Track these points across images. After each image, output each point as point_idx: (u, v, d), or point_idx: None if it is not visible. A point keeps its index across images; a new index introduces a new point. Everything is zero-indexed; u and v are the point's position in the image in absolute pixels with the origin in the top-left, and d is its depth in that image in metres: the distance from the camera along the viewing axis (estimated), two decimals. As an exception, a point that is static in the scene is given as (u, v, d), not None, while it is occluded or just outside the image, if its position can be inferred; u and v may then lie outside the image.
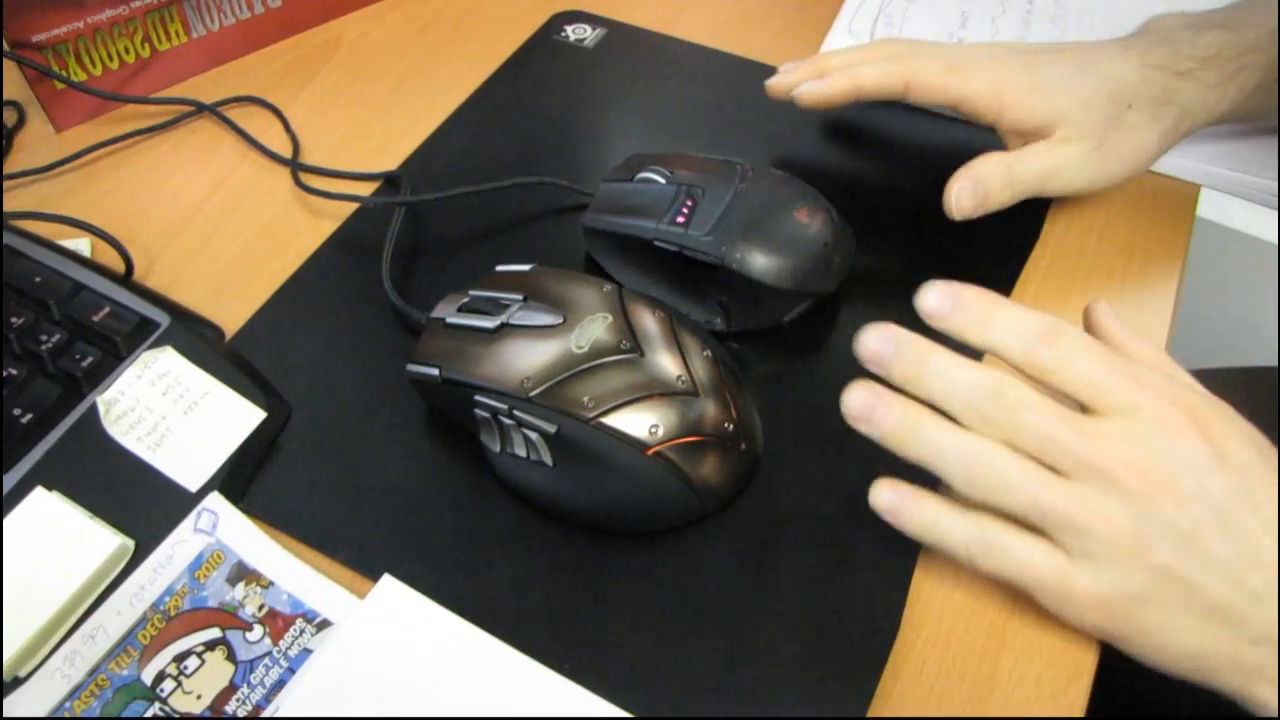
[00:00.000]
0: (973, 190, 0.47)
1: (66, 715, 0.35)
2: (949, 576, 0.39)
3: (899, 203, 0.53)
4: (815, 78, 0.51)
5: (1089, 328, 0.41)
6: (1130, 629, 0.35)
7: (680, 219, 0.45)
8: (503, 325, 0.41)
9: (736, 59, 0.61)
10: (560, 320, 0.40)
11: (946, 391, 0.36)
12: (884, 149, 0.56)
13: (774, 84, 0.52)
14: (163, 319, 0.44)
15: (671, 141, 0.56)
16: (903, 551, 0.40)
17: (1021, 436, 0.35)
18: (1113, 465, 0.34)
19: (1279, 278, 0.89)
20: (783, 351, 0.47)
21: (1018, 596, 0.39)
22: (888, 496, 0.37)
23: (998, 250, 0.51)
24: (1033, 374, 0.36)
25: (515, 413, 0.39)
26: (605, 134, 0.57)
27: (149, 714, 0.35)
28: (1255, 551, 0.33)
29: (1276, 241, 0.96)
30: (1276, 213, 0.55)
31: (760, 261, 0.44)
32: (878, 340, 0.37)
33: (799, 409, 0.44)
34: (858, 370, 0.45)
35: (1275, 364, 0.71)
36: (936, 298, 0.37)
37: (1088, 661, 0.37)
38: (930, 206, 0.48)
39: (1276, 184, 0.53)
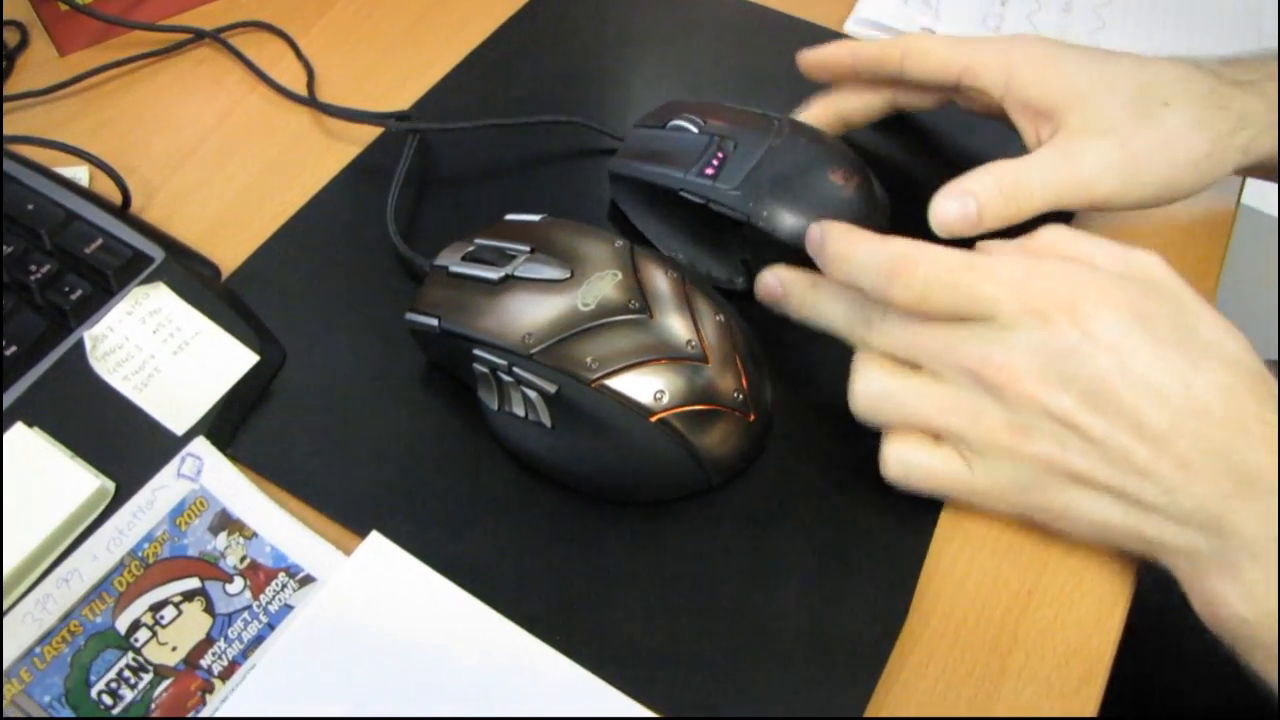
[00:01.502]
0: (959, 205, 0.41)
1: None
2: (961, 565, 0.38)
3: (935, 165, 0.50)
4: (830, 57, 0.49)
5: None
6: (1038, 511, 0.36)
7: (709, 170, 0.43)
8: (507, 277, 0.39)
9: (770, 11, 0.58)
10: (568, 275, 0.38)
11: (827, 311, 0.39)
12: (931, 121, 0.53)
13: (801, 59, 0.50)
14: (157, 254, 0.42)
15: (699, 91, 0.54)
16: (915, 537, 0.38)
17: (892, 348, 0.37)
18: (973, 365, 0.35)
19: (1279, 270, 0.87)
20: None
21: (1032, 590, 0.37)
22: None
23: (1034, 225, 0.48)
24: (897, 308, 0.36)
25: (515, 370, 0.37)
26: (630, 80, 0.55)
27: (121, 663, 0.34)
28: (1136, 426, 0.33)
29: (1277, 234, 0.93)
30: (1277, 210, 0.53)
31: (788, 221, 0.42)
32: (769, 282, 0.41)
33: (815, 380, 0.42)
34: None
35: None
36: (809, 236, 0.39)
37: (1102, 661, 0.36)
38: (966, 169, 0.46)
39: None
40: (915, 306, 0.36)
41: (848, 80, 0.49)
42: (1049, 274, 0.35)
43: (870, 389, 0.37)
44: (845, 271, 0.37)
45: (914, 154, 0.51)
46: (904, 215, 0.46)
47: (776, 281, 0.41)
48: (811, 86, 0.53)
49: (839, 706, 0.34)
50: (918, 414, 0.36)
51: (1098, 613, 0.37)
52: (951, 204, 0.41)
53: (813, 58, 0.49)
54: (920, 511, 0.38)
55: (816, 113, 0.49)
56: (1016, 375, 0.34)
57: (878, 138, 0.51)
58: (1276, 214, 0.95)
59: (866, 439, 0.39)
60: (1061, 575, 0.38)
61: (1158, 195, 0.42)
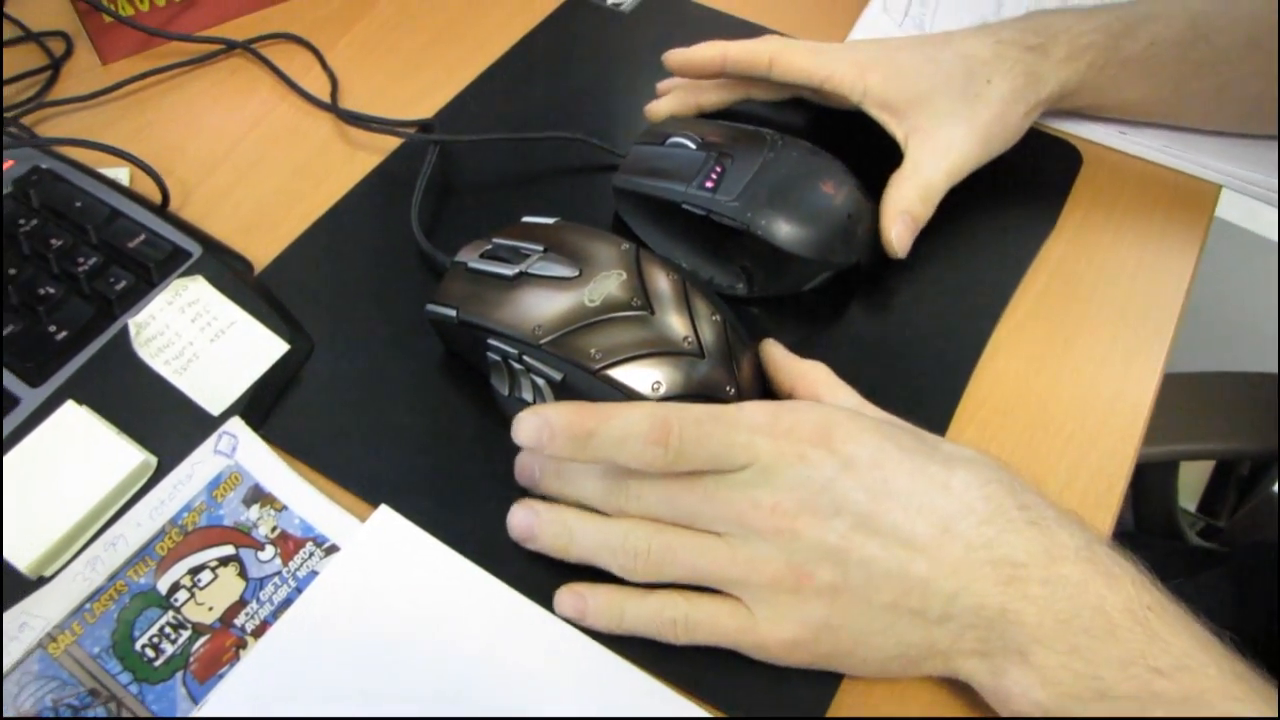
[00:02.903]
0: (905, 224, 0.47)
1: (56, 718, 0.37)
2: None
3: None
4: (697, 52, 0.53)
5: (764, 357, 0.43)
6: (833, 654, 0.35)
7: (709, 184, 0.46)
8: (521, 274, 0.42)
9: (770, 31, 0.61)
10: (576, 273, 0.42)
11: (583, 489, 0.38)
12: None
13: (667, 58, 0.54)
14: (195, 249, 0.46)
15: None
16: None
17: (655, 513, 0.36)
18: (743, 511, 0.35)
19: (1279, 281, 0.89)
20: (802, 319, 0.48)
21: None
22: (568, 602, 0.37)
23: (1016, 232, 0.52)
24: (657, 471, 0.36)
25: (525, 358, 0.40)
26: (636, 98, 0.58)
27: (163, 620, 0.37)
28: (909, 540, 0.34)
29: (1277, 243, 0.95)
30: (1277, 214, 0.56)
31: (784, 229, 0.45)
32: (524, 461, 0.40)
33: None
34: (876, 344, 0.47)
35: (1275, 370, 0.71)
36: (530, 428, 0.37)
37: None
38: (953, 188, 0.49)
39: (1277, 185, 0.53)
40: (674, 466, 0.35)
41: (711, 77, 0.54)
42: (795, 411, 0.36)
43: (643, 548, 0.36)
44: (592, 449, 0.36)
45: (891, 158, 0.54)
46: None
47: (528, 471, 0.40)
48: (803, 104, 0.57)
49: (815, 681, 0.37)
50: (695, 569, 0.36)
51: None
52: (899, 227, 0.47)
53: (682, 57, 0.53)
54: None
55: (674, 103, 0.54)
56: (786, 514, 0.34)
57: (857, 144, 0.54)
58: (1276, 237, 0.99)
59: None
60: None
61: (996, 154, 0.50)
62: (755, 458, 0.35)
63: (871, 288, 0.49)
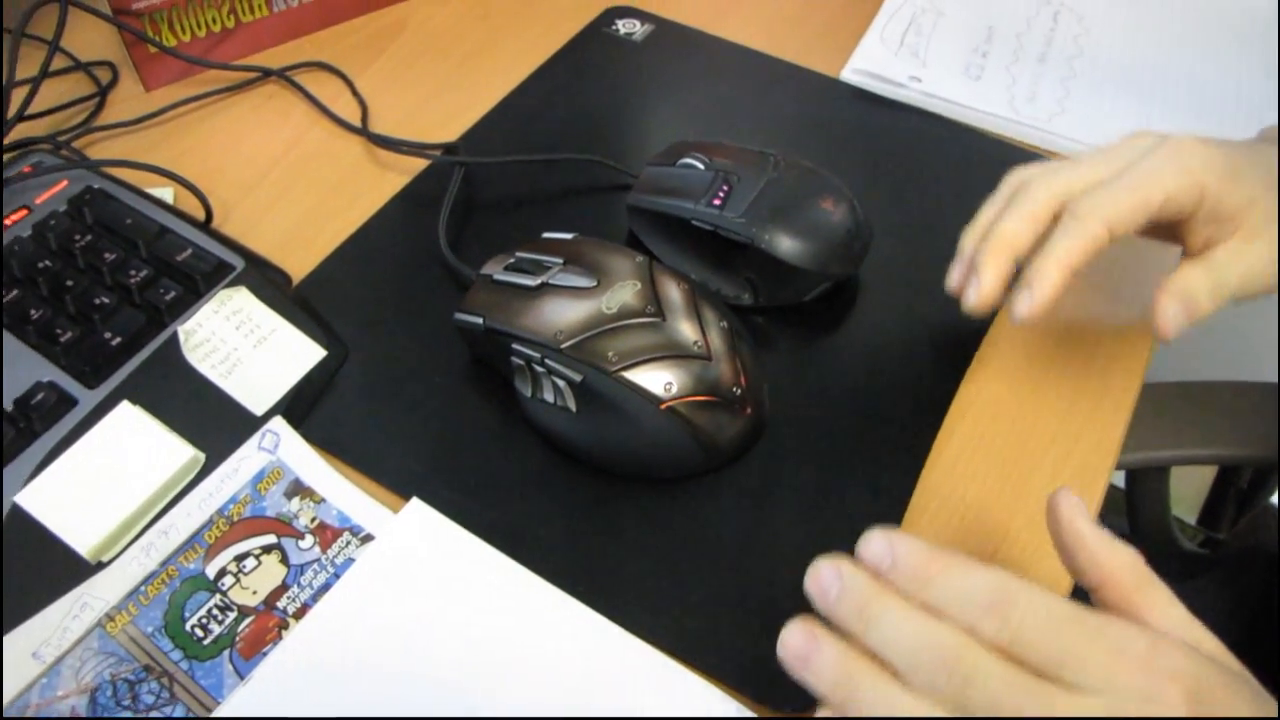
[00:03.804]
0: (1183, 307, 0.43)
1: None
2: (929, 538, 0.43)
3: (915, 196, 0.57)
4: (1006, 282, 0.44)
5: (1055, 530, 0.35)
6: None
7: (716, 201, 0.50)
8: (543, 284, 0.45)
9: (772, 59, 0.65)
10: (594, 284, 0.45)
11: (890, 645, 0.31)
12: (902, 147, 0.60)
13: (976, 308, 0.45)
14: (238, 263, 0.49)
15: (709, 132, 0.60)
16: (891, 515, 0.44)
17: (976, 710, 0.29)
18: None
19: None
20: (804, 327, 0.51)
21: (993, 555, 0.43)
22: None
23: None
24: (983, 641, 0.30)
25: (547, 361, 0.43)
26: (648, 122, 0.62)
27: (211, 603, 0.40)
28: None
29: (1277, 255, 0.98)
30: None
31: (787, 243, 0.48)
32: (826, 574, 0.33)
33: (811, 380, 0.49)
34: (872, 350, 0.50)
35: (1265, 379, 0.74)
36: (874, 550, 0.33)
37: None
38: (943, 203, 0.52)
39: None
40: (1008, 645, 0.30)
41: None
42: (1171, 655, 0.29)
43: None
44: (927, 594, 0.32)
45: (893, 185, 0.58)
46: (885, 237, 0.53)
47: (832, 575, 0.33)
48: (804, 127, 0.60)
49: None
50: None
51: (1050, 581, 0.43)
52: (1178, 310, 0.43)
53: (1039, 307, 0.43)
54: (894, 498, 0.44)
55: (1049, 286, 0.43)
56: None
57: (854, 163, 0.58)
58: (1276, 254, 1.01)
59: (852, 436, 0.45)
60: (1018, 546, 0.43)
61: None
62: (1114, 688, 0.29)
63: (868, 297, 0.52)
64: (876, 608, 0.32)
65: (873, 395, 0.48)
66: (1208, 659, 0.30)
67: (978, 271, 0.44)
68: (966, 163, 0.59)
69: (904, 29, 0.66)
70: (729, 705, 0.38)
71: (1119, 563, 0.33)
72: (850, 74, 0.64)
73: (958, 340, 0.50)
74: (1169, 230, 0.46)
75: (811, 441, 0.46)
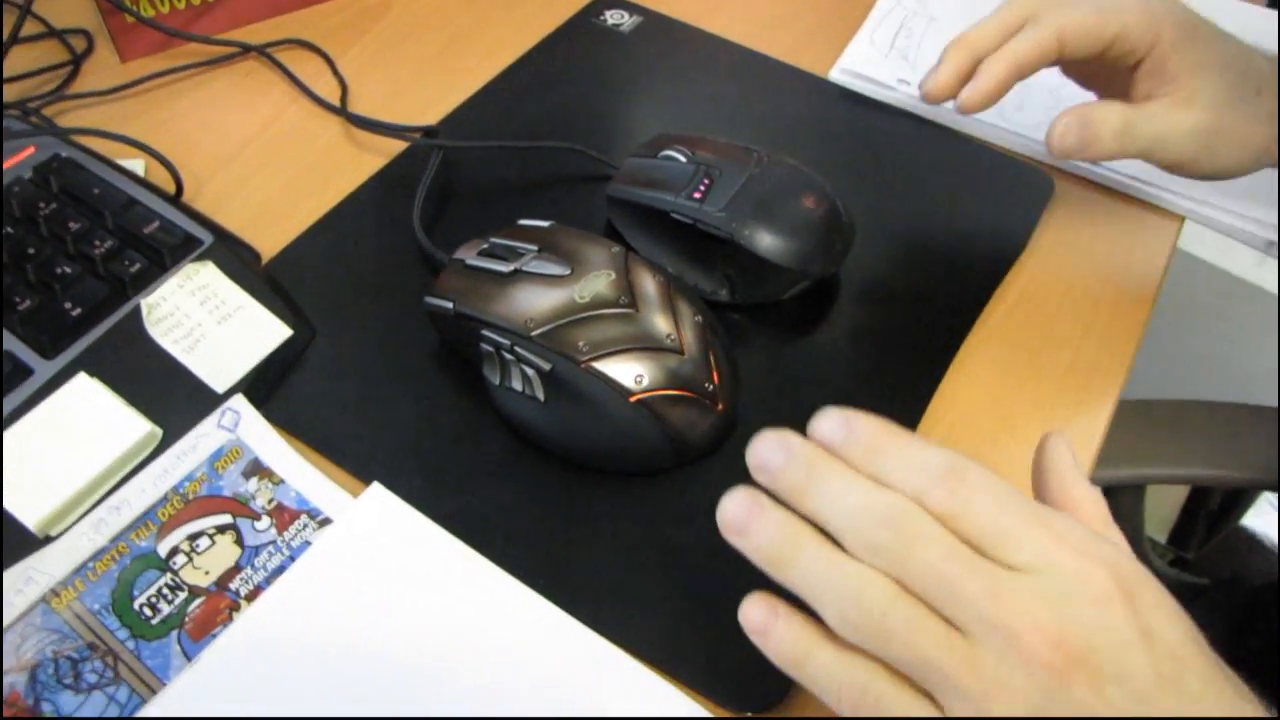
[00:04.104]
0: (1080, 129, 0.45)
1: None
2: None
3: (899, 198, 0.56)
4: (962, 77, 0.48)
5: (1038, 459, 0.36)
6: None
7: (697, 195, 0.49)
8: (516, 271, 0.45)
9: (761, 56, 0.64)
10: (568, 272, 0.44)
11: (834, 510, 0.31)
12: (888, 149, 0.59)
13: (930, 94, 0.49)
14: (206, 237, 0.48)
15: (694, 127, 0.60)
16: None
17: (914, 574, 0.29)
18: (1020, 625, 0.28)
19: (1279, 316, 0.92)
20: (781, 325, 0.50)
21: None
22: (756, 616, 0.32)
23: (988, 250, 0.54)
24: (932, 512, 0.30)
25: (516, 349, 0.42)
26: (632, 114, 0.61)
27: (161, 582, 0.39)
28: None
29: (1278, 277, 0.98)
30: (1277, 247, 0.58)
31: (766, 240, 0.48)
32: (768, 446, 0.32)
33: (786, 379, 0.48)
34: (849, 351, 0.49)
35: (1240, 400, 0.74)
36: (829, 426, 0.32)
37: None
38: (927, 206, 0.52)
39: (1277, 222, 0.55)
40: (952, 518, 0.30)
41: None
42: (1109, 548, 0.30)
43: (878, 610, 0.29)
44: (879, 463, 0.31)
45: (877, 187, 0.57)
46: (866, 238, 0.52)
47: (775, 446, 0.32)
48: (790, 125, 0.59)
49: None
50: (925, 660, 0.29)
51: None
52: (1074, 126, 0.45)
53: (979, 95, 0.47)
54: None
55: (994, 76, 0.47)
56: (1067, 655, 0.27)
57: (838, 162, 0.57)
58: (1278, 274, 1.02)
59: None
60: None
61: (1218, 172, 0.47)
62: (1050, 568, 0.29)
63: (848, 297, 0.51)
64: (822, 472, 0.31)
65: (848, 396, 0.47)
66: (1147, 573, 0.30)
67: (938, 63, 0.48)
68: (952, 167, 0.58)
69: (895, 32, 0.66)
70: (687, 705, 0.37)
71: (1085, 495, 0.34)
72: (838, 74, 0.63)
73: (936, 345, 0.50)
74: (1113, 77, 0.48)
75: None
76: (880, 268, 0.53)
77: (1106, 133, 0.45)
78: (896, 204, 0.56)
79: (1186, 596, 0.31)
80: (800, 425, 0.46)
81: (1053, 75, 0.63)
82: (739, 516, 0.32)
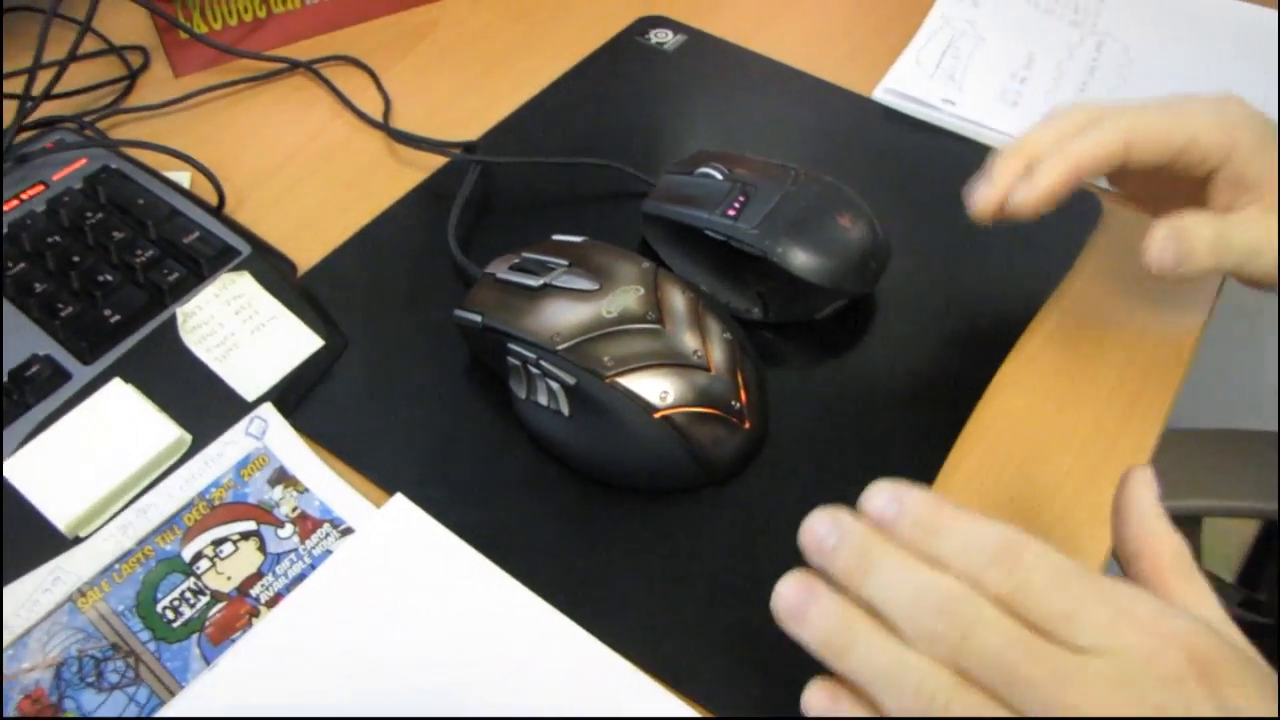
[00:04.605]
0: (1177, 244, 0.41)
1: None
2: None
3: (940, 219, 0.55)
4: (1010, 177, 0.44)
5: (1120, 496, 0.34)
6: None
7: (731, 212, 0.49)
8: (545, 285, 0.45)
9: (804, 75, 0.64)
10: (597, 287, 0.44)
11: (889, 596, 0.30)
12: (930, 169, 0.58)
13: (982, 205, 0.45)
14: (244, 248, 0.49)
15: (734, 145, 0.59)
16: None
17: (974, 664, 0.28)
18: (1088, 712, 0.26)
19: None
20: (814, 345, 0.50)
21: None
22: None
23: (1031, 273, 0.53)
24: (988, 594, 0.29)
25: (542, 362, 0.42)
26: (672, 132, 0.61)
27: (184, 586, 0.39)
28: None
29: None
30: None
31: (800, 258, 0.47)
32: (822, 526, 0.32)
33: (817, 401, 0.47)
34: (884, 372, 0.48)
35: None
36: (881, 502, 0.32)
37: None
38: (969, 227, 0.51)
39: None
40: (1010, 598, 0.29)
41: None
42: (1182, 620, 0.28)
43: (940, 699, 0.28)
44: (933, 543, 0.30)
45: (918, 206, 0.56)
46: (905, 259, 0.51)
47: (828, 527, 0.32)
48: (832, 144, 0.59)
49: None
50: None
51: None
52: (1170, 242, 0.41)
53: (1033, 195, 0.43)
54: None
55: (1052, 175, 0.43)
56: None
57: (887, 188, 0.56)
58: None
59: (856, 461, 0.44)
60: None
61: None
62: (1117, 648, 0.27)
63: (883, 318, 0.51)
64: (876, 556, 0.30)
65: (881, 418, 0.47)
66: (1216, 632, 0.29)
67: (992, 169, 0.44)
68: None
69: (941, 51, 0.65)
70: (701, 727, 0.36)
71: (1167, 542, 0.32)
72: (883, 93, 0.62)
73: (973, 369, 0.49)
74: (1192, 189, 0.44)
75: (814, 462, 0.45)
76: (918, 289, 0.52)
77: (1201, 246, 0.41)
78: (937, 225, 0.55)
79: (1257, 637, 0.30)
80: (832, 448, 0.45)
81: (1101, 100, 0.62)
82: (794, 605, 0.31)
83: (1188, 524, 0.74)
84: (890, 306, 0.51)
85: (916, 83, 0.63)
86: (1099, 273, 0.53)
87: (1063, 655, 0.28)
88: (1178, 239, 0.41)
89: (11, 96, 0.53)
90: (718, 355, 0.43)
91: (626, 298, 0.44)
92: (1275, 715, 0.27)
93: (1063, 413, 0.48)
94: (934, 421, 0.47)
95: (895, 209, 0.55)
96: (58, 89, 0.56)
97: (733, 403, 0.43)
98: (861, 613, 0.30)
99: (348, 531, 0.41)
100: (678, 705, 0.37)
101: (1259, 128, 0.43)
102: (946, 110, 0.61)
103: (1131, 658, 0.27)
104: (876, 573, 0.30)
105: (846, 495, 0.42)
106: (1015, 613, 0.29)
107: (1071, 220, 0.56)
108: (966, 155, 0.59)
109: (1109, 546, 0.43)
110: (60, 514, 0.40)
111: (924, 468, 0.45)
